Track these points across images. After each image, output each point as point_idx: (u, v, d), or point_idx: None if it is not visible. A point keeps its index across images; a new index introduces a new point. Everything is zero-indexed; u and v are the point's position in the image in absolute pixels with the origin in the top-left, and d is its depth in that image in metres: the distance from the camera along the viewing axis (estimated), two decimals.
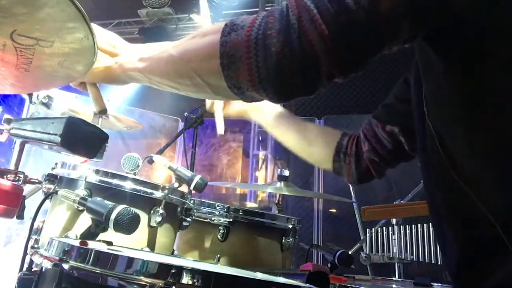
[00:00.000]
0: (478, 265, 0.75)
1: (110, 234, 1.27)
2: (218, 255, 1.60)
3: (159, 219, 1.64)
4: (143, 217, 1.59)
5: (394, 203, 3.53)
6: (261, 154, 6.05)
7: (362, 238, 3.65)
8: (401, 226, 3.46)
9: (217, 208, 1.99)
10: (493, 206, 0.72)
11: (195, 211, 1.89)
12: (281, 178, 2.40)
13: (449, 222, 0.82)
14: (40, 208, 1.51)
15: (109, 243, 1.20)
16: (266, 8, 6.75)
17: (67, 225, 1.57)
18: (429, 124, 0.84)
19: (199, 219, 1.97)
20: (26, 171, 1.71)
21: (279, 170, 2.46)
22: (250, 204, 5.74)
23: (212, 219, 1.97)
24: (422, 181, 0.97)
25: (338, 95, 6.01)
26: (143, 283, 0.88)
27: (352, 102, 5.92)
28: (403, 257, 3.40)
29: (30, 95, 1.76)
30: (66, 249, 0.99)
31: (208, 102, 1.52)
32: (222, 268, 1.38)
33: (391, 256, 3.44)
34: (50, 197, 1.66)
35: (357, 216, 3.83)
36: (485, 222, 0.71)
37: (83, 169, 1.63)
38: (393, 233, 3.47)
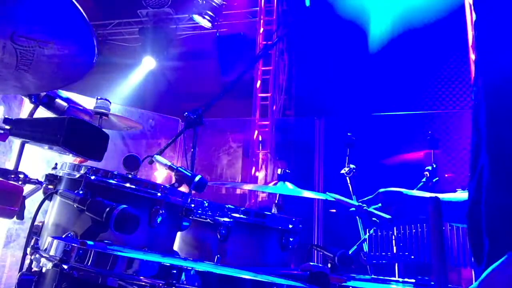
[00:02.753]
0: None
1: (110, 234, 1.27)
2: (218, 255, 1.60)
3: (159, 219, 1.64)
4: (143, 217, 1.59)
5: None
6: (261, 154, 6.05)
7: (362, 238, 3.65)
8: (401, 226, 3.46)
9: (217, 208, 1.99)
10: None
11: (195, 211, 1.90)
12: (281, 178, 2.40)
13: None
14: (40, 208, 1.51)
15: (110, 244, 1.21)
16: (266, 9, 6.75)
17: (67, 225, 1.57)
18: None
19: (199, 219, 1.97)
20: (26, 171, 1.72)
21: (279, 170, 2.46)
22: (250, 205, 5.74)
23: (212, 219, 1.97)
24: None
25: (338, 95, 6.00)
26: (143, 283, 0.88)
27: (352, 102, 5.91)
28: (403, 257, 3.40)
29: (30, 95, 1.76)
30: (66, 249, 0.99)
31: None
32: (222, 268, 1.38)
33: (391, 256, 3.44)
34: (50, 197, 1.66)
35: (357, 216, 3.83)
36: None
37: (83, 169, 1.63)
38: (393, 233, 3.46)
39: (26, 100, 1.79)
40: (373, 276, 2.18)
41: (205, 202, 2.02)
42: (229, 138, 6.35)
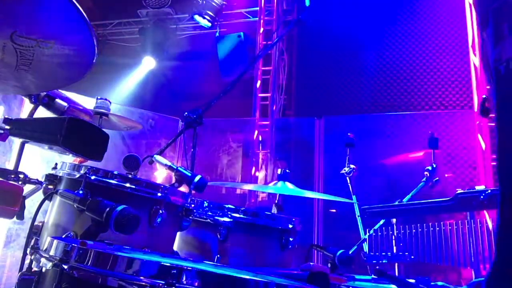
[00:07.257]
0: None
1: (110, 234, 1.27)
2: (218, 255, 1.60)
3: (159, 219, 1.64)
4: (143, 217, 1.59)
5: (394, 203, 3.53)
6: (261, 154, 6.05)
7: (362, 238, 3.65)
8: (401, 226, 3.46)
9: (217, 208, 1.99)
10: None
11: (195, 211, 1.90)
12: (281, 178, 2.40)
13: None
14: (40, 208, 1.51)
15: (110, 244, 1.21)
16: (266, 9, 6.74)
17: (67, 225, 1.57)
18: None
19: (199, 219, 1.98)
20: (26, 171, 1.72)
21: (279, 170, 2.46)
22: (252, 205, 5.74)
23: (212, 219, 1.97)
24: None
25: (338, 95, 6.01)
26: (143, 283, 0.88)
27: (352, 102, 5.92)
28: (403, 257, 3.40)
29: (30, 95, 1.76)
30: (66, 249, 0.99)
31: None
32: (222, 268, 1.38)
33: (391, 256, 3.44)
34: (50, 197, 1.66)
35: (357, 216, 3.83)
36: None
37: (83, 169, 1.63)
38: (393, 233, 3.46)
39: (26, 100, 1.80)
40: (373, 276, 2.18)
41: (205, 202, 2.02)
42: (229, 138, 6.34)
